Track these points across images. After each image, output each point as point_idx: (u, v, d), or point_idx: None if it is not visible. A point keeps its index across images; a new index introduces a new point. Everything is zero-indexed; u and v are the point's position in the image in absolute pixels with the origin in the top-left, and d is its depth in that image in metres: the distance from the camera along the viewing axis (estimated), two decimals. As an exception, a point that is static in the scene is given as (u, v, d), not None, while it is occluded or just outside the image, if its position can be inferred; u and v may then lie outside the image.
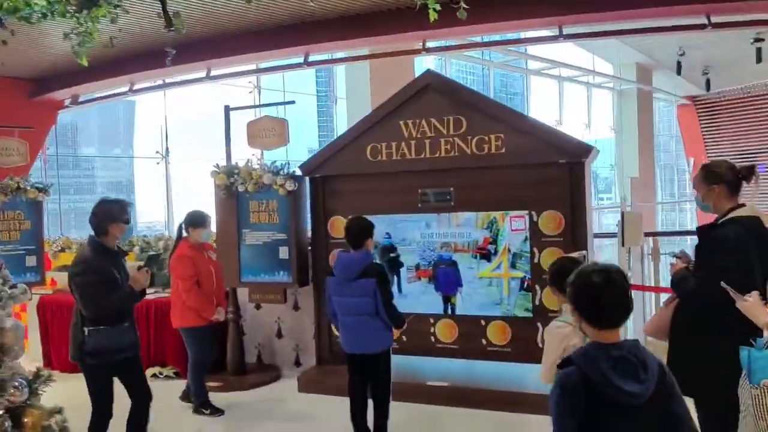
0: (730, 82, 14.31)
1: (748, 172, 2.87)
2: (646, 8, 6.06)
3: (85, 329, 3.45)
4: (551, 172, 4.78)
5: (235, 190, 5.60)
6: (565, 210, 4.76)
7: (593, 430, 1.85)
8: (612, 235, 5.56)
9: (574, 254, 3.35)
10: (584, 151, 4.73)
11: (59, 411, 2.51)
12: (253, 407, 5.15)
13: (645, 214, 14.53)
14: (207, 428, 4.75)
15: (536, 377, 4.91)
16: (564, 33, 6.73)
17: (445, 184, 5.15)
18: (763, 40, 11.36)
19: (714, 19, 6.20)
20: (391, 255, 5.30)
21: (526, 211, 4.90)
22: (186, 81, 8.75)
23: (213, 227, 5.36)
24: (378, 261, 4.63)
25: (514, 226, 4.95)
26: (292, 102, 5.90)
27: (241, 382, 5.63)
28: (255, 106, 6.22)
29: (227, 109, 5.80)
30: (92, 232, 3.59)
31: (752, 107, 14.44)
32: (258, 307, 6.05)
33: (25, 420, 2.30)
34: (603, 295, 1.87)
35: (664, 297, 4.55)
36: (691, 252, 3.16)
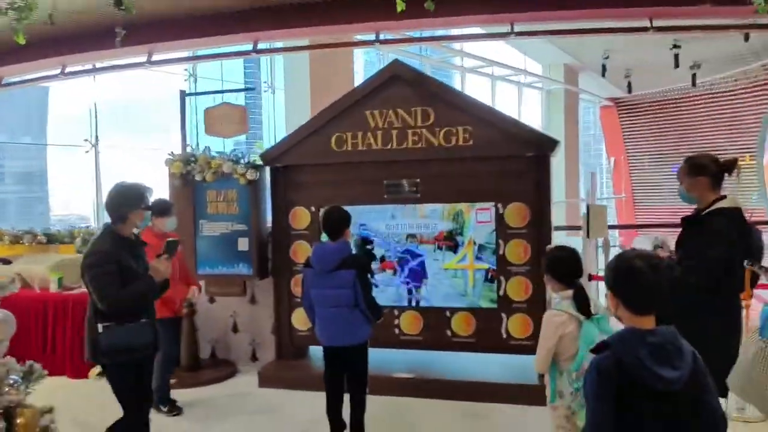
0: (650, 85, 15.16)
1: (731, 165, 3.03)
2: (591, 8, 6.28)
3: (99, 326, 3.11)
4: (518, 165, 4.89)
5: (191, 179, 5.37)
6: (530, 202, 4.88)
7: (626, 414, 1.89)
8: (570, 228, 5.75)
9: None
10: (550, 144, 4.86)
11: (50, 410, 2.32)
12: (215, 403, 4.97)
13: (569, 211, 15.14)
14: (171, 428, 4.53)
15: (501, 366, 5.06)
16: (515, 30, 6.87)
17: (412, 175, 5.15)
18: (680, 47, 12.12)
19: (656, 23, 6.51)
20: (367, 247, 5.24)
21: (492, 203, 4.98)
22: (125, 65, 8.27)
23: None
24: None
25: (479, 218, 5.03)
26: (252, 89, 5.71)
27: (196, 378, 5.42)
28: (214, 92, 5.97)
29: (183, 95, 5.54)
30: (108, 220, 3.28)
31: (669, 110, 15.34)
32: (212, 300, 5.83)
33: (19, 420, 2.11)
34: (646, 280, 1.92)
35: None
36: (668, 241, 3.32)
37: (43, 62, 7.86)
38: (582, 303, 2.88)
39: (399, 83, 5.11)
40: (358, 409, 3.99)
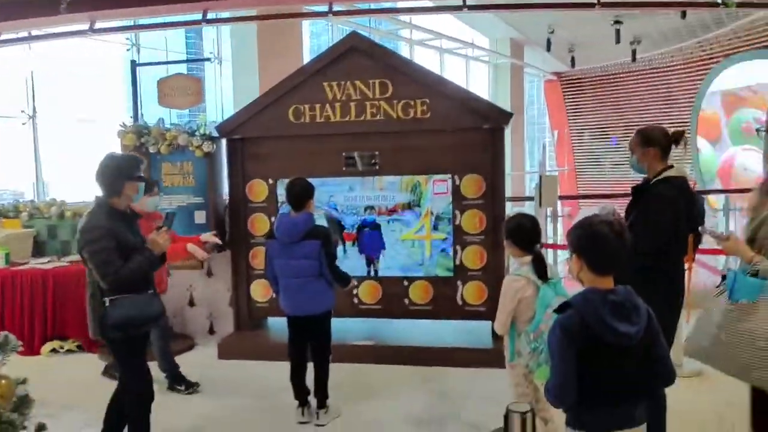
0: (592, 60, 15.60)
1: (679, 137, 3.22)
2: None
3: (106, 299, 3.04)
4: (474, 137, 5.01)
5: (145, 152, 5.26)
6: (486, 174, 5.03)
7: (587, 368, 2.05)
8: (520, 199, 5.94)
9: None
10: (505, 117, 5.01)
11: (24, 381, 2.32)
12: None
13: (515, 183, 15.51)
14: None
15: (457, 332, 5.25)
16: (468, 4, 6.95)
17: (370, 147, 5.21)
18: (621, 23, 12.52)
19: None
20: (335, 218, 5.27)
21: (449, 175, 5.11)
22: (65, 33, 7.92)
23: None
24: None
25: (436, 189, 5.15)
26: (208, 59, 5.63)
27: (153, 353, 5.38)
28: (167, 63, 5.83)
29: (134, 64, 5.41)
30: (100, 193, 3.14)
31: (610, 84, 15.86)
32: (168, 274, 5.76)
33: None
34: (610, 244, 2.06)
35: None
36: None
37: (-23, 28, 7.47)
38: (540, 268, 3.04)
39: (357, 55, 5.13)
40: (322, 375, 4.09)
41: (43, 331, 5.40)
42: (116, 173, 3.12)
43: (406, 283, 5.27)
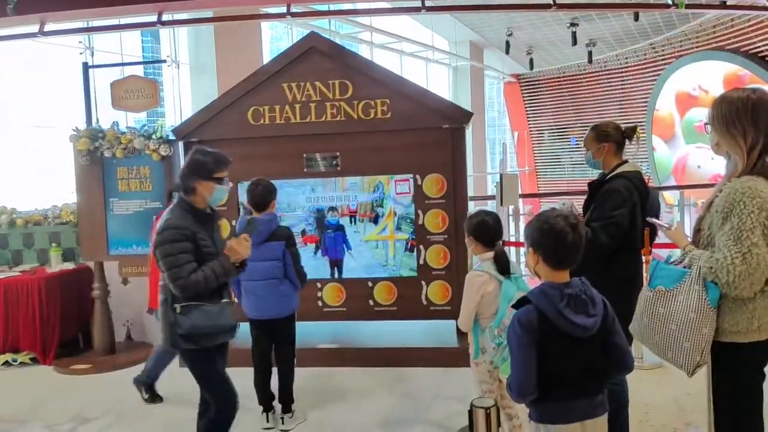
0: (550, 62, 15.87)
1: (632, 132, 3.28)
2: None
3: (176, 306, 2.79)
4: (435, 137, 5.02)
5: (100, 156, 5.12)
6: (447, 173, 5.05)
7: (546, 360, 2.06)
8: (482, 198, 5.98)
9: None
10: (465, 116, 5.04)
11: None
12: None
13: (477, 184, 15.64)
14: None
15: (422, 332, 5.25)
16: (426, 5, 6.98)
17: (331, 148, 5.18)
18: (577, 25, 12.78)
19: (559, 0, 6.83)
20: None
21: (411, 175, 5.11)
22: (12, 36, 7.66)
23: (74, 197, 4.89)
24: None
25: (399, 189, 5.14)
26: (164, 61, 5.52)
27: (112, 362, 5.24)
28: (122, 64, 5.69)
29: (86, 67, 5.27)
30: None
31: (567, 85, 16.15)
32: (125, 282, 5.62)
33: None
34: (566, 238, 2.08)
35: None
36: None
37: None
38: (502, 263, 3.06)
39: (316, 56, 5.09)
40: (288, 379, 4.04)
41: (-4, 344, 5.21)
42: (191, 170, 2.92)
43: (370, 284, 5.24)
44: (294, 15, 7.30)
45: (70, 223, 5.70)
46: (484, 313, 3.07)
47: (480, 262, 3.20)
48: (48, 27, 7.35)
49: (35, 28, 7.31)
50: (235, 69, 9.27)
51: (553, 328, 2.03)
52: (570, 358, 2.06)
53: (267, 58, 10.96)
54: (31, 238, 5.80)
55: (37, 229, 5.77)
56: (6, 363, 5.14)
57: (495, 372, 3.12)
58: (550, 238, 2.10)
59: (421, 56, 15.09)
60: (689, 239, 2.42)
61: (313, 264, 5.22)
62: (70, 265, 5.59)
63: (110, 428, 4.09)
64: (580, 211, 3.50)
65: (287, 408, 3.99)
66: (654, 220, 2.82)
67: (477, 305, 3.08)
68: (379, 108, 5.03)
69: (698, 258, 2.23)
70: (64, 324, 5.36)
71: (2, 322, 5.20)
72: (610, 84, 15.45)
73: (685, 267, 2.29)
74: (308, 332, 5.33)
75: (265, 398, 4.01)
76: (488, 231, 3.12)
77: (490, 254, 3.10)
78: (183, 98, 10.90)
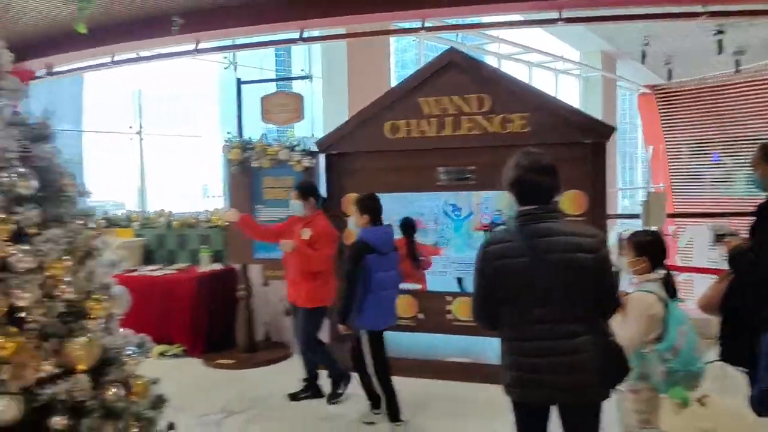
0: (690, 72, 14.89)
1: None
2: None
3: None
4: (574, 152, 4.88)
5: (248, 166, 5.48)
6: (587, 190, 4.88)
7: None
8: (622, 216, 5.73)
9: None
10: (608, 131, 4.86)
11: (155, 381, 2.46)
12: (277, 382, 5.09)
13: (607, 200, 14.97)
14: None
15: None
16: (563, 16, 6.82)
17: (466, 162, 5.19)
18: (723, 32, 11.90)
19: (709, 8, 6.42)
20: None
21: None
22: (171, 54, 8.41)
23: (226, 203, 5.24)
24: None
25: (536, 205, 5.05)
26: (309, 77, 5.81)
27: (254, 360, 5.57)
28: (270, 80, 6.08)
29: (239, 82, 5.66)
30: None
31: (709, 97, 15.05)
32: (266, 284, 5.96)
33: (135, 389, 2.23)
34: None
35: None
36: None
37: (93, 51, 8.04)
38: (671, 285, 2.93)
39: (454, 70, 5.13)
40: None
41: (152, 335, 5.69)
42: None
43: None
44: (428, 30, 7.45)
45: (219, 227, 6.14)
46: (648, 335, 2.92)
47: (640, 282, 3.05)
48: (201, 45, 8.02)
49: (191, 47, 8.00)
50: (365, 82, 9.56)
51: None
52: None
53: (394, 68, 11.20)
54: (184, 240, 6.32)
55: (190, 231, 6.28)
56: (161, 354, 5.60)
57: (655, 400, 2.95)
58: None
59: (549, 67, 14.75)
60: None
61: (443, 278, 5.27)
62: (217, 266, 6.02)
63: (255, 421, 4.36)
64: (741, 233, 3.28)
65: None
66: None
67: (647, 326, 2.94)
68: (518, 122, 4.98)
69: None
70: (212, 320, 5.77)
71: (160, 314, 5.68)
72: (757, 95, 14.21)
73: None
74: (435, 344, 5.41)
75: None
76: (664, 251, 3.00)
77: (657, 275, 2.96)
78: (315, 110, 11.42)
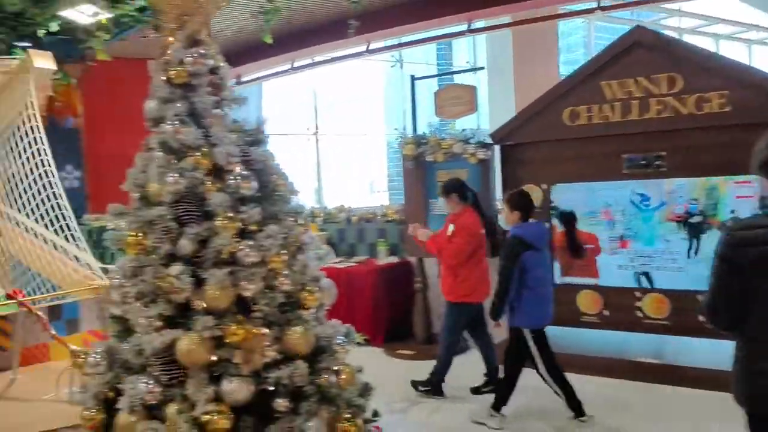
0: None
1: None
2: None
3: None
4: (787, 132, 4.33)
5: (422, 160, 5.58)
6: (803, 174, 4.31)
7: None
8: None
9: None
10: (829, 107, 4.25)
11: (360, 369, 2.58)
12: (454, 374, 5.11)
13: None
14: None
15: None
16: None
17: (655, 147, 4.82)
18: None
19: None
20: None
21: (756, 177, 4.47)
22: (344, 56, 8.82)
23: (402, 198, 5.37)
24: None
25: (739, 192, 4.57)
26: (482, 68, 5.79)
27: (432, 351, 5.58)
28: (442, 74, 6.14)
29: (413, 79, 5.77)
30: None
31: None
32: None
33: (343, 377, 2.36)
34: None
35: None
36: None
37: (276, 59, 8.69)
38: None
39: (640, 50, 4.79)
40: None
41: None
42: None
43: (700, 297, 4.74)
44: (604, 9, 7.05)
45: (395, 221, 6.32)
46: None
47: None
48: (371, 45, 8.32)
49: (362, 48, 8.32)
50: (532, 69, 9.29)
51: None
52: None
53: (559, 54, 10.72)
54: (362, 234, 6.61)
55: (367, 225, 6.55)
56: (345, 342, 5.90)
57: None
58: None
59: (740, 38, 13.27)
60: None
61: (626, 273, 4.96)
62: (394, 259, 6.21)
63: (439, 411, 4.48)
64: None
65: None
66: None
67: None
68: (716, 101, 4.52)
69: None
70: (392, 311, 5.97)
71: (345, 305, 5.96)
72: None
73: None
74: (625, 341, 5.13)
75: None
76: None
77: None
78: (481, 101, 11.35)
